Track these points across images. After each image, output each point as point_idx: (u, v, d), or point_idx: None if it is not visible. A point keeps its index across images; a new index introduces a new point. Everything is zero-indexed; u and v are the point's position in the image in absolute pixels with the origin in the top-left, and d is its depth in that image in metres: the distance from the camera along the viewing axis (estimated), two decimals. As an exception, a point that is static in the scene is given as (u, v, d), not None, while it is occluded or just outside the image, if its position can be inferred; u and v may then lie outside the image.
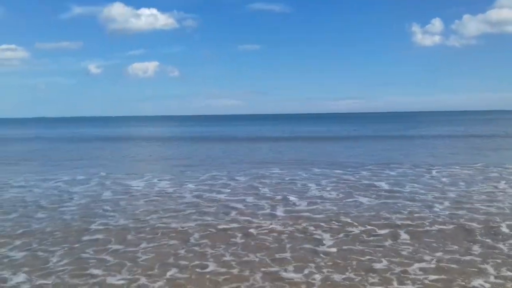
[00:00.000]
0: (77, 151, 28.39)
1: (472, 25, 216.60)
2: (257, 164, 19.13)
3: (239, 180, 14.64)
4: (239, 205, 10.59)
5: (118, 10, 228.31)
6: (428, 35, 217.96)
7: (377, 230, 8.31)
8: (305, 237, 7.95)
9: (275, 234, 8.08)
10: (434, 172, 15.71)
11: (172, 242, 7.70)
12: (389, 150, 25.58)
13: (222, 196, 11.77)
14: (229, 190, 12.70)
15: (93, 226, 8.78)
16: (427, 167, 17.03)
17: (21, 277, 6.20)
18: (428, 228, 8.41)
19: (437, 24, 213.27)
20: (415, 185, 13.13)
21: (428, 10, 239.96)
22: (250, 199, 11.39)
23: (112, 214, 9.89)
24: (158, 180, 14.89)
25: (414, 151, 25.30)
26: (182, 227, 8.64)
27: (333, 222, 8.92)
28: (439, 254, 6.95)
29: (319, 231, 8.26)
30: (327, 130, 56.27)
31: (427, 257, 6.79)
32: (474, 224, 8.59)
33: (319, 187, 13.02)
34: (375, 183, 13.59)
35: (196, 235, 8.09)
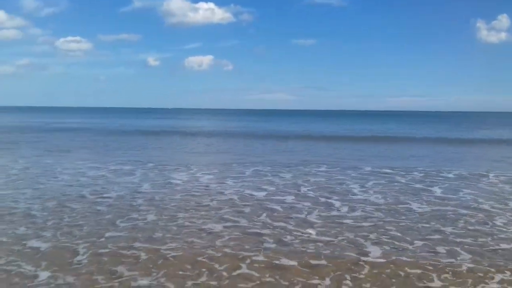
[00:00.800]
0: (133, 142, 28.90)
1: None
2: (305, 162, 18.50)
3: (284, 177, 14.08)
4: (277, 207, 9.89)
5: (176, 4, 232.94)
6: (494, 31, 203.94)
7: (429, 243, 7.30)
8: (345, 245, 7.14)
9: (312, 241, 7.34)
10: (492, 178, 14.41)
11: (199, 242, 7.18)
12: (446, 153, 24.01)
13: (261, 195, 11.18)
14: (272, 188, 12.06)
15: (122, 222, 8.42)
16: (485, 172, 15.64)
17: (41, 272, 5.90)
18: (491, 246, 7.23)
19: (504, 20, 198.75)
20: (472, 191, 11.95)
21: (494, 6, 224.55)
22: (290, 199, 10.76)
23: (145, 208, 9.55)
24: (202, 173, 14.62)
25: (475, 155, 23.64)
26: (212, 228, 8.08)
27: (379, 231, 8.02)
28: (507, 275, 5.95)
29: (361, 241, 7.40)
30: (385, 128, 54.19)
31: (491, 280, 5.80)
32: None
33: (366, 188, 12.12)
34: (428, 187, 12.55)
35: (226, 237, 7.51)
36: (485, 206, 10.17)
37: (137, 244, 7.04)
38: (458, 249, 7.05)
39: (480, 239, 7.60)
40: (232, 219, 8.81)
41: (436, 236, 7.76)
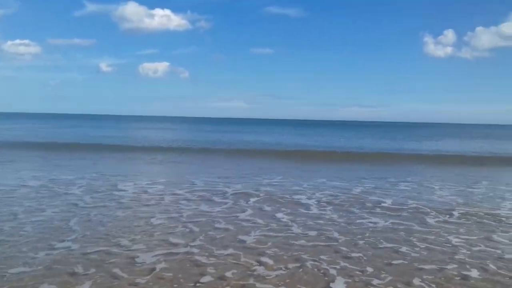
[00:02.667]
0: (81, 150, 26.83)
1: (485, 38, 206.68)
2: (258, 171, 17.41)
3: (236, 188, 12.87)
4: (229, 226, 8.48)
5: (132, 10, 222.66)
6: (440, 46, 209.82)
7: (397, 272, 6.08)
8: (306, 281, 5.77)
9: (264, 277, 5.89)
10: (437, 189, 13.79)
11: (127, 279, 5.55)
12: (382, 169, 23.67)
13: (210, 211, 9.77)
14: (221, 202, 10.78)
15: (37, 251, 6.65)
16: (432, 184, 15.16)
17: None
18: (462, 276, 6.09)
19: (449, 35, 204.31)
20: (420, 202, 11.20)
21: (441, 21, 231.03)
22: (242, 216, 9.43)
23: (76, 229, 7.84)
24: (150, 184, 13.22)
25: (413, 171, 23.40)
26: (146, 259, 6.44)
27: (338, 255, 6.75)
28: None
29: (323, 271, 6.07)
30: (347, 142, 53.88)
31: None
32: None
33: (316, 201, 11.17)
34: (379, 198, 11.71)
35: (162, 272, 5.92)
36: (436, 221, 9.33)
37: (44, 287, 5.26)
38: (431, 284, 5.82)
39: (448, 266, 6.49)
40: (173, 242, 7.24)
41: (399, 261, 6.71)
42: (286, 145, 34.88)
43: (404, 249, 7.29)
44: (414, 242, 7.73)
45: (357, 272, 6.09)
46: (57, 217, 8.82)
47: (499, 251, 7.32)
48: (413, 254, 7.02)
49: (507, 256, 7.07)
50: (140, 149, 28.68)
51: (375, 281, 5.78)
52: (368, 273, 6.09)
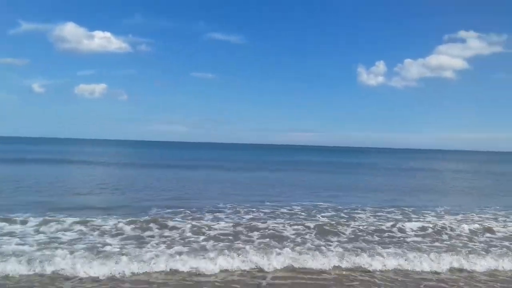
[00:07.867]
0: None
1: (413, 69, 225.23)
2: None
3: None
4: None
5: (70, 30, 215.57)
6: (372, 75, 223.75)
7: None
8: None
9: None
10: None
11: None
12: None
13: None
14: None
15: None
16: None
17: None
18: None
19: (381, 66, 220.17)
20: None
21: (373, 53, 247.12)
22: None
23: None
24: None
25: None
26: None
27: None
28: None
29: None
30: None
31: None
32: None
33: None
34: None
35: None
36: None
37: None
38: None
39: None
40: None
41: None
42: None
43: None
44: None
45: None
46: None
47: None
48: None
49: None
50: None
51: None
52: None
